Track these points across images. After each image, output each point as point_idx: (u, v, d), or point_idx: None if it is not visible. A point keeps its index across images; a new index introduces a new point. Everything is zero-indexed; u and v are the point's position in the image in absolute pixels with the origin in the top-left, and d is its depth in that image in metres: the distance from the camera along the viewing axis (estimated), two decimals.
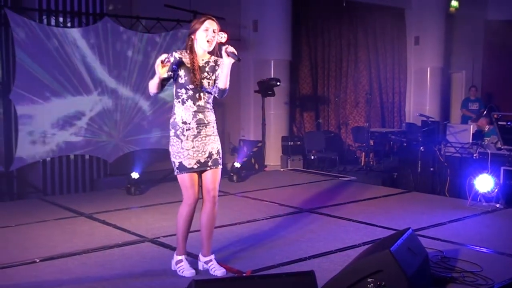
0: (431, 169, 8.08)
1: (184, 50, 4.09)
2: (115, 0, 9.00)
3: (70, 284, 3.96)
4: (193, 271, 4.08)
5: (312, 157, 10.58)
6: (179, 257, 4.14)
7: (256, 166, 9.90)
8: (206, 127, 4.06)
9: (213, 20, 4.04)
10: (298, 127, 11.74)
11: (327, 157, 10.72)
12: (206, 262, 4.17)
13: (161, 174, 8.57)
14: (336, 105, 12.36)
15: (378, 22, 13.02)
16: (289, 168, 9.97)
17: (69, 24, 8.17)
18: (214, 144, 4.09)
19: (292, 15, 11.01)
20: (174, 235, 5.09)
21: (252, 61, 10.86)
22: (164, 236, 5.12)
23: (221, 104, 10.36)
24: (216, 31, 4.01)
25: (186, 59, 4.02)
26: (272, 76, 10.19)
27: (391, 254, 3.32)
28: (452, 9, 13.40)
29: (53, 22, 8.04)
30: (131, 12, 9.02)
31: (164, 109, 8.71)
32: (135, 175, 7.20)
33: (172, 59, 3.97)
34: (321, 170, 9.77)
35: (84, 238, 5.12)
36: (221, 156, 4.15)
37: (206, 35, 3.99)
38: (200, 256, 4.23)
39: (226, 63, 3.95)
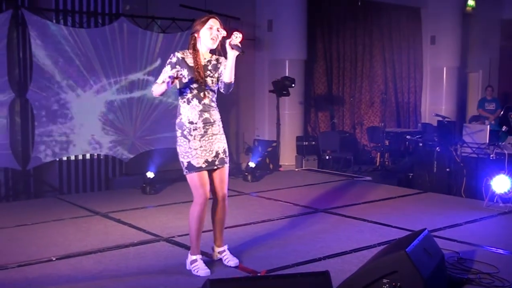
0: (447, 169, 8.01)
1: (186, 50, 4.13)
2: (131, 0, 9.05)
3: (85, 282, 3.98)
4: (208, 270, 4.09)
5: (327, 157, 10.54)
6: (194, 257, 4.16)
7: (271, 166, 9.90)
8: (212, 126, 4.09)
9: (216, 19, 4.09)
10: (313, 127, 11.72)
11: (342, 157, 10.69)
12: (220, 253, 4.29)
13: (176, 174, 8.56)
14: (351, 105, 12.32)
15: (393, 21, 12.96)
16: (303, 168, 9.96)
17: (85, 24, 8.24)
18: (220, 143, 4.13)
19: (307, 14, 10.99)
20: (189, 234, 5.13)
21: (267, 61, 10.86)
22: (179, 236, 5.13)
23: (236, 103, 10.37)
24: (219, 29, 4.04)
25: (189, 59, 4.06)
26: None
27: (407, 255, 3.29)
28: (468, 8, 13.30)
29: (69, 22, 8.11)
30: (146, 12, 9.07)
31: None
32: (150, 174, 7.23)
33: (184, 73, 4.02)
34: (336, 170, 9.74)
35: (99, 237, 5.15)
36: (227, 154, 4.19)
37: (211, 33, 4.03)
38: (214, 247, 4.33)
39: (230, 56, 3.96)
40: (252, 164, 8.17)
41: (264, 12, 10.89)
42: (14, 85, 7.57)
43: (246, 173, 8.05)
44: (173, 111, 8.62)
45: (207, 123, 4.06)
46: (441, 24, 13.18)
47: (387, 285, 3.33)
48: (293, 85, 9.82)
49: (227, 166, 4.18)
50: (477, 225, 5.62)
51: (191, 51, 4.09)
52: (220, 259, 4.30)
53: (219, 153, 4.11)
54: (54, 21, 7.91)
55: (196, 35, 4.09)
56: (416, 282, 3.27)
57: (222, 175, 4.16)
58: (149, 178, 7.21)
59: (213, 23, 4.05)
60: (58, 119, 7.81)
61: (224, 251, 4.29)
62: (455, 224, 5.56)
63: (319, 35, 11.73)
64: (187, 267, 4.20)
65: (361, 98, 12.51)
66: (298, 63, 10.88)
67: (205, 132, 4.05)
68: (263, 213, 6.01)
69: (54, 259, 4.49)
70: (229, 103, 9.88)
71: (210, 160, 4.07)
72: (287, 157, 10.62)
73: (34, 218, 5.82)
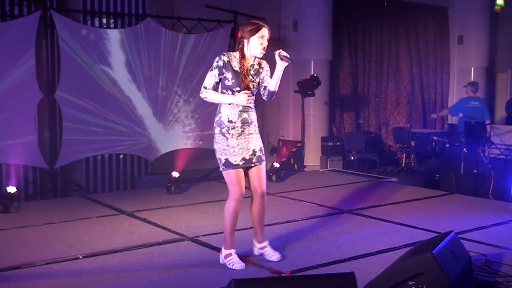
0: (474, 171, 7.91)
1: (231, 53, 4.21)
2: (157, 1, 9.11)
3: (111, 281, 4.02)
4: (243, 264, 4.21)
5: (352, 158, 10.48)
6: (228, 251, 4.28)
7: (295, 166, 9.88)
8: (249, 126, 4.22)
9: (266, 28, 4.17)
10: (338, 128, 11.67)
11: (367, 158, 10.61)
12: (261, 248, 4.42)
13: (201, 173, 8.64)
14: (377, 105, 12.23)
15: (420, 21, 12.82)
16: (328, 168, 9.91)
17: (112, 25, 8.32)
18: (256, 142, 4.26)
19: (333, 14, 10.94)
20: (214, 234, 5.17)
21: None
22: (203, 235, 5.16)
23: (261, 103, 10.36)
24: (268, 39, 4.15)
25: (234, 62, 4.15)
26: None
27: (433, 257, 3.26)
28: (497, 7, 13.09)
29: (97, 23, 8.20)
30: (172, 13, 9.12)
31: (205, 111, 8.77)
32: (175, 174, 7.28)
33: (228, 75, 4.13)
34: (361, 171, 9.68)
35: (124, 235, 5.20)
36: (263, 152, 4.33)
37: (261, 42, 4.12)
38: (255, 243, 4.45)
39: (279, 67, 4.10)
40: (276, 165, 8.16)
41: (289, 12, 10.87)
42: (42, 86, 7.67)
43: (271, 173, 8.04)
44: (198, 113, 8.71)
45: (245, 123, 4.19)
46: (469, 24, 13.00)
47: (413, 287, 3.29)
48: (315, 82, 9.76)
49: (264, 163, 4.32)
50: (505, 227, 5.53)
51: (237, 55, 4.17)
52: (261, 255, 4.41)
53: (256, 151, 4.24)
54: (82, 22, 8.00)
55: (245, 40, 4.15)
56: (442, 284, 3.23)
57: (260, 172, 4.30)
58: (174, 177, 7.26)
59: (265, 33, 4.13)
60: (85, 119, 7.88)
61: (265, 246, 4.42)
62: (483, 226, 5.49)
63: (344, 35, 11.67)
64: (221, 261, 4.32)
65: (387, 98, 12.41)
66: (323, 63, 10.84)
67: (242, 131, 4.19)
68: (288, 213, 6.00)
69: (80, 257, 4.54)
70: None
71: (247, 157, 4.20)
72: (312, 158, 10.59)
73: (61, 217, 5.91)
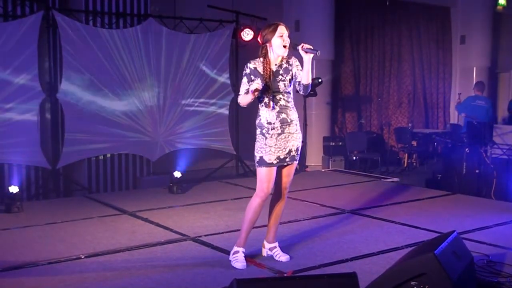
0: (477, 171, 7.91)
1: (258, 59, 4.27)
2: (159, 1, 9.11)
3: (113, 280, 4.03)
4: (245, 264, 4.24)
5: (354, 158, 10.48)
6: (237, 248, 4.33)
7: (297, 167, 9.86)
8: (289, 126, 4.27)
9: (283, 25, 4.23)
10: (340, 128, 11.66)
11: (369, 158, 10.61)
12: (271, 249, 4.47)
13: (203, 173, 8.64)
14: (379, 105, 12.23)
15: (422, 21, 12.82)
16: (330, 168, 9.91)
17: (114, 25, 8.32)
18: (295, 142, 4.31)
19: (335, 14, 10.93)
20: (216, 234, 5.18)
21: None
22: (205, 235, 5.16)
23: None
24: (288, 35, 4.20)
25: (261, 67, 4.22)
26: (314, 77, 10.12)
27: (436, 257, 3.25)
28: (499, 7, 13.07)
29: (99, 23, 8.21)
30: (174, 13, 9.12)
31: (207, 110, 8.77)
32: (177, 174, 7.28)
33: (257, 83, 4.16)
34: (363, 171, 9.67)
35: (127, 235, 5.20)
36: (299, 153, 4.38)
37: (283, 40, 4.18)
38: (265, 243, 4.51)
39: (306, 59, 4.12)
40: None
41: (291, 13, 10.87)
42: (44, 85, 7.68)
43: None
44: (201, 113, 8.71)
45: (284, 123, 4.24)
46: (471, 24, 13.00)
47: (415, 287, 3.29)
48: (320, 80, 9.72)
49: (296, 163, 4.39)
50: (507, 227, 5.52)
51: (262, 59, 4.24)
52: (271, 256, 4.44)
53: (291, 151, 4.30)
54: (84, 22, 8.00)
55: (267, 44, 4.22)
56: (444, 284, 3.23)
57: (290, 170, 4.39)
58: (176, 177, 7.27)
59: (283, 30, 4.19)
60: (87, 119, 7.89)
61: (275, 247, 4.46)
62: (485, 227, 5.48)
63: (346, 35, 11.67)
64: (229, 258, 4.35)
65: (389, 98, 12.41)
66: (326, 63, 10.83)
67: (282, 131, 4.24)
68: (289, 213, 5.99)
69: (82, 257, 4.55)
70: (256, 103, 9.87)
71: (282, 157, 4.26)
72: (314, 158, 10.59)
73: (63, 217, 5.91)
